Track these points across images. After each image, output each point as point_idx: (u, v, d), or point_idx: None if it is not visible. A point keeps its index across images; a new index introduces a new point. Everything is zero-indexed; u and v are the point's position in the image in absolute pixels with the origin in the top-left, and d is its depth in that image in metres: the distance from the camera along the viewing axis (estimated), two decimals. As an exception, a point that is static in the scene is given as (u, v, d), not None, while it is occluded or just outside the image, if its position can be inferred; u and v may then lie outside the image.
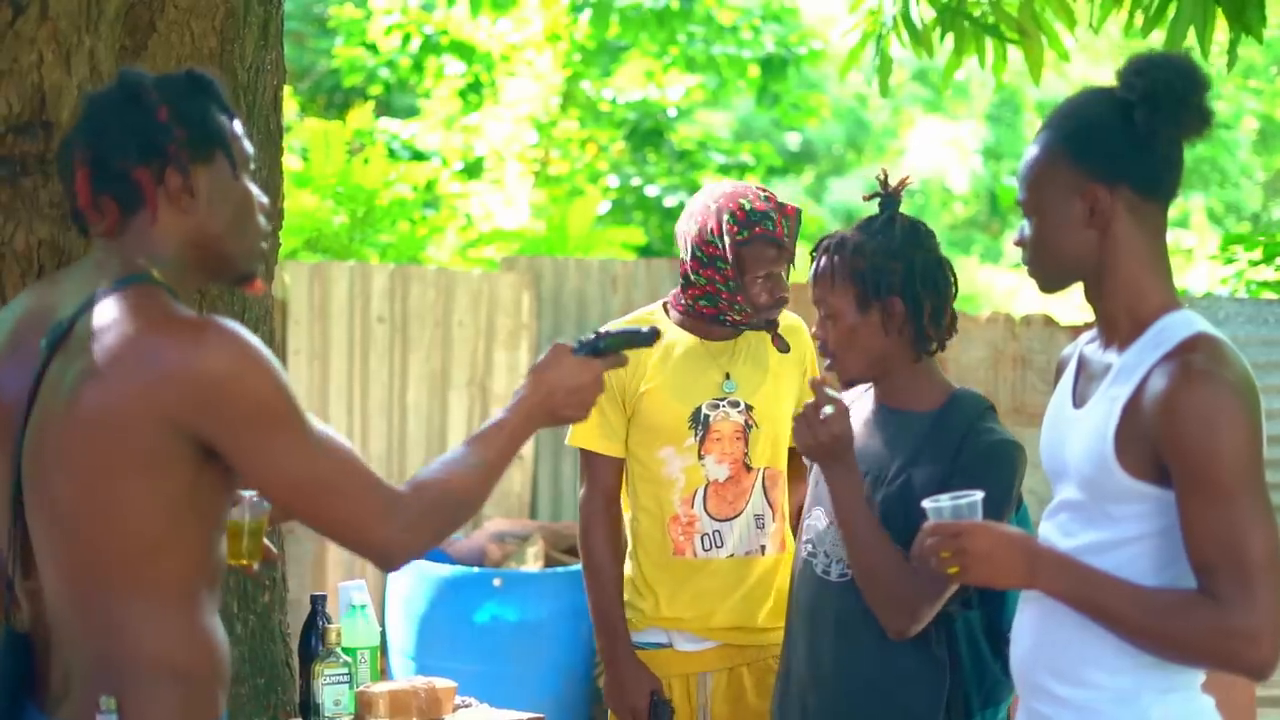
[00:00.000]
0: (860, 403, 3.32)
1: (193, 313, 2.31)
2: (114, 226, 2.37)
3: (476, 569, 6.68)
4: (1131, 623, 2.42)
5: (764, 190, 3.74)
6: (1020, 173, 2.60)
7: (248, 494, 2.65)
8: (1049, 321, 7.34)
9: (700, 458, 3.72)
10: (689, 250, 3.72)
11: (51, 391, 2.28)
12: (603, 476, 3.80)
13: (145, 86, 2.37)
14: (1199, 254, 16.00)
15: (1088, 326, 7.36)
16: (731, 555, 3.73)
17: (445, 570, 6.63)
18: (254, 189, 2.46)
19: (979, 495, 2.55)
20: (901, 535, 3.05)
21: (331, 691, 3.30)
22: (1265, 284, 7.58)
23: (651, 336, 2.73)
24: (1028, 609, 2.62)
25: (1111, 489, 2.46)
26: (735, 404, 3.74)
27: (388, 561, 2.41)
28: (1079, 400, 2.59)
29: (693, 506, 3.73)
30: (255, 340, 2.29)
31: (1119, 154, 2.49)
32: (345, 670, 3.31)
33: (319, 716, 3.30)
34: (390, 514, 2.35)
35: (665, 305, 3.88)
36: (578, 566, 6.78)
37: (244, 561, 2.70)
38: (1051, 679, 2.54)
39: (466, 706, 3.50)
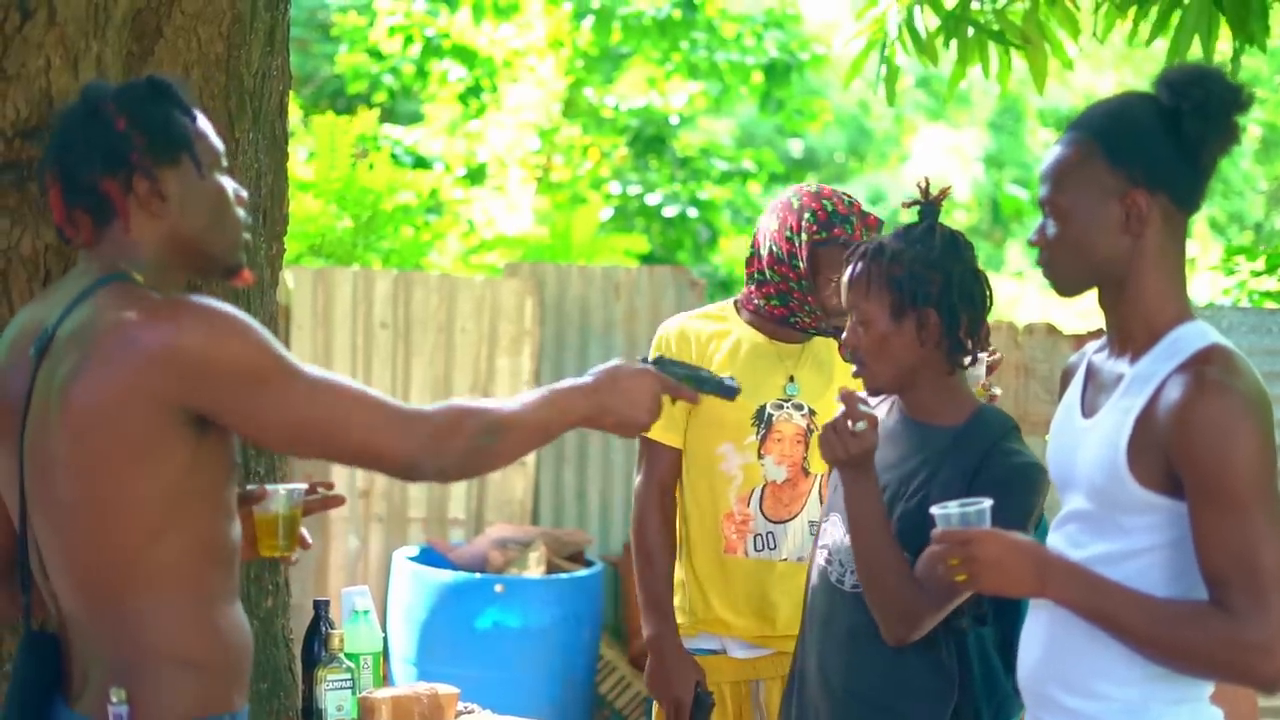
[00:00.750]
0: (880, 410, 3.28)
1: (162, 296, 2.36)
2: (90, 238, 2.43)
3: (478, 575, 6.68)
4: (1143, 633, 2.40)
5: (849, 196, 3.72)
6: (1045, 171, 2.55)
7: (281, 487, 2.74)
8: (1052, 330, 7.33)
9: (760, 457, 3.72)
10: (767, 245, 3.72)
11: (42, 396, 2.34)
12: (660, 466, 3.78)
13: (104, 99, 2.43)
14: (1201, 264, 15.99)
15: (1091, 335, 7.36)
16: (785, 560, 3.73)
17: (447, 576, 6.64)
18: (227, 183, 2.49)
19: (988, 503, 2.53)
20: (919, 551, 3.01)
21: (334, 697, 3.29)
22: (1268, 294, 7.57)
23: (734, 393, 2.73)
24: (1036, 619, 2.60)
25: (1123, 500, 2.45)
26: (799, 407, 3.73)
27: (416, 473, 2.45)
28: (1089, 410, 2.57)
29: (748, 505, 3.72)
30: (228, 307, 2.35)
31: (1164, 162, 2.47)
32: (348, 676, 3.30)
33: (322, 722, 3.29)
34: (404, 427, 2.41)
35: (736, 303, 3.86)
36: (580, 573, 6.81)
37: (283, 554, 2.76)
38: (1059, 690, 2.53)
39: (469, 713, 3.49)
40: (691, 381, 2.69)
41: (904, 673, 3.09)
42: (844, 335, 3.21)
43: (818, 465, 3.73)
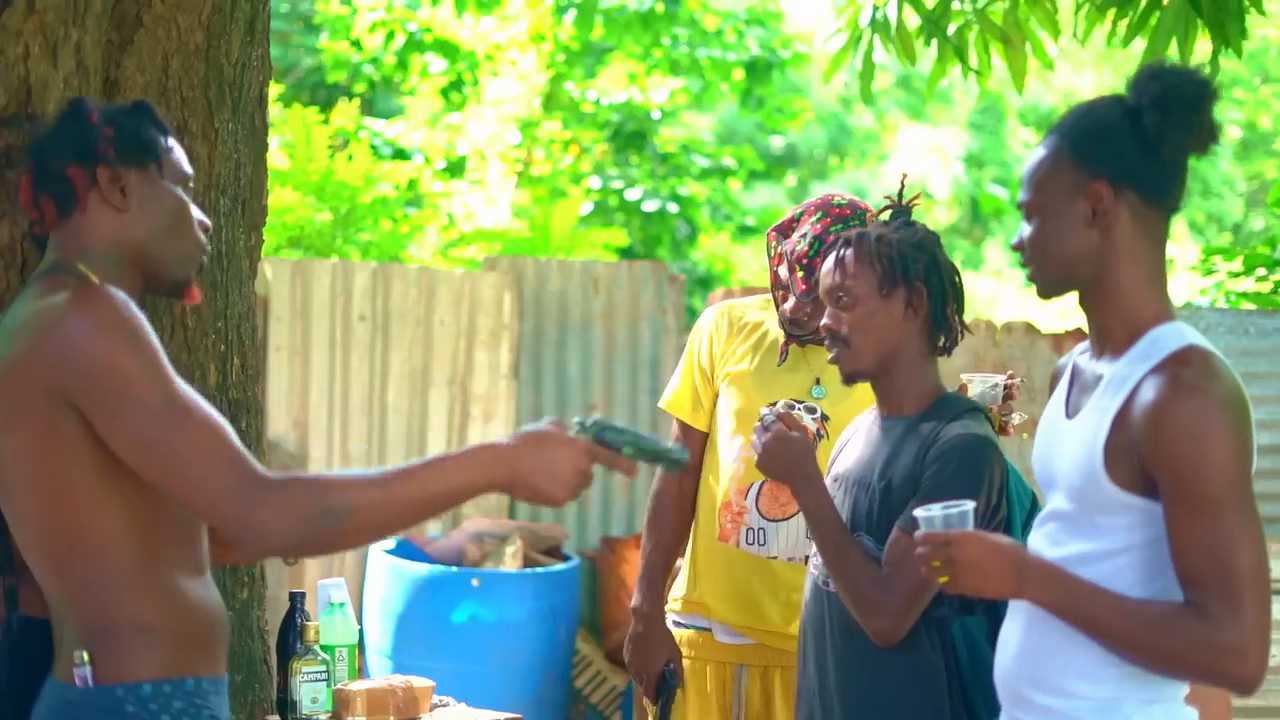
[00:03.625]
0: (863, 419, 3.36)
1: (79, 284, 2.41)
2: (53, 223, 2.51)
3: (454, 568, 6.67)
4: (1119, 635, 2.41)
5: (832, 209, 3.72)
6: (1024, 174, 2.59)
7: None
8: (1030, 329, 7.36)
9: None
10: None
11: None
12: (686, 447, 3.79)
13: (86, 103, 2.54)
14: (1179, 264, 16.05)
15: (1069, 335, 7.39)
16: (775, 558, 3.74)
17: (423, 569, 6.63)
18: (194, 208, 2.58)
19: (969, 505, 2.54)
20: (885, 535, 3.11)
21: (309, 689, 3.30)
22: (1245, 294, 7.59)
23: (680, 465, 2.50)
24: (1014, 618, 2.62)
25: (1100, 500, 2.46)
26: (812, 410, 3.72)
27: (244, 542, 2.34)
28: (1071, 410, 2.58)
29: (745, 498, 3.75)
30: (127, 308, 2.37)
31: (1124, 156, 2.48)
32: (323, 668, 3.31)
33: (296, 714, 3.30)
34: (243, 493, 2.31)
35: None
36: (556, 567, 6.81)
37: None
38: (1033, 689, 2.54)
39: (444, 706, 3.50)
40: (634, 450, 2.44)
41: (892, 672, 3.12)
42: (823, 321, 3.25)
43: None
